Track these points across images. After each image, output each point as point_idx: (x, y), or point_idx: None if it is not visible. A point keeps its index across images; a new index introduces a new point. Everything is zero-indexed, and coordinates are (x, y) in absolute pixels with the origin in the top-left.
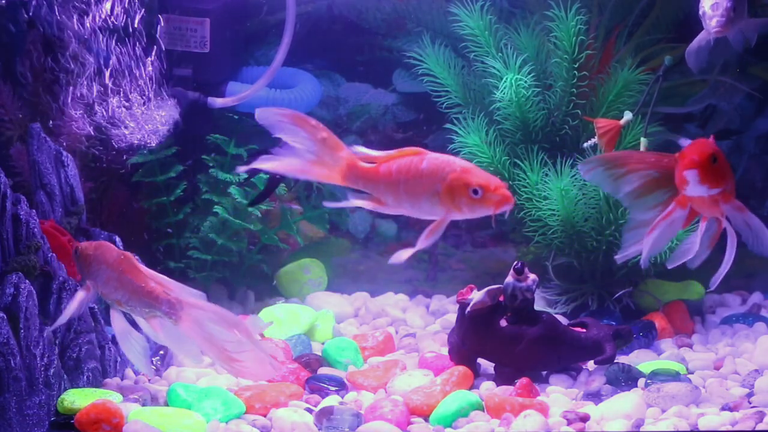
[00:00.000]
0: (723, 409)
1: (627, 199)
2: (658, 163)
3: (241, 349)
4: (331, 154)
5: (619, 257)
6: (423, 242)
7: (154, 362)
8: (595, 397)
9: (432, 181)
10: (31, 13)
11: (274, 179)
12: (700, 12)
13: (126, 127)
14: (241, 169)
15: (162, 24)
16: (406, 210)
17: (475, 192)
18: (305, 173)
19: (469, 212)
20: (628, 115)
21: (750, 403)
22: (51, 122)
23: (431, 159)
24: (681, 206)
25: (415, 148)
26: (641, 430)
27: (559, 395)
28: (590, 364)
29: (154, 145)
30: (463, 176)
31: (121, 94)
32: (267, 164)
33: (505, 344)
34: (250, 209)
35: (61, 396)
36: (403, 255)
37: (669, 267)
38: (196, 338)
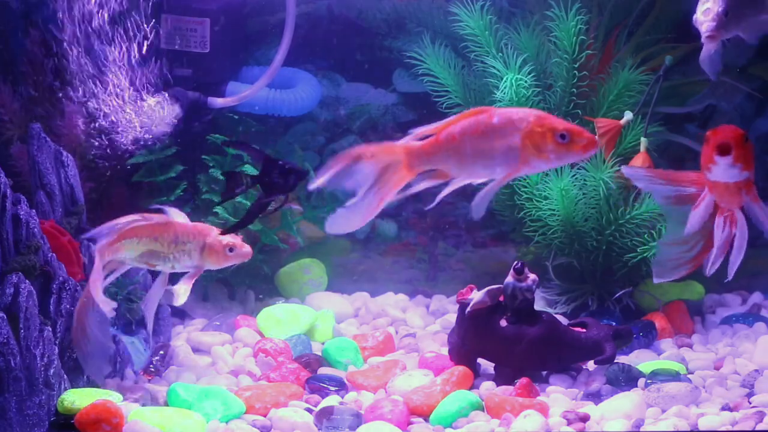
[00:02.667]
0: (723, 409)
1: (663, 203)
2: (697, 181)
3: None
4: (388, 161)
5: (657, 280)
6: (488, 191)
7: (154, 362)
8: (595, 397)
9: (508, 134)
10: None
11: (258, 205)
12: (694, 18)
13: (126, 127)
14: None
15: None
16: (476, 173)
17: (563, 137)
18: (384, 198)
19: (556, 159)
20: (628, 115)
21: (750, 403)
22: (51, 122)
23: (501, 113)
24: (709, 190)
25: (477, 108)
26: (641, 430)
27: (559, 395)
28: (590, 364)
29: (155, 145)
30: (546, 122)
31: (122, 95)
32: (351, 225)
33: (505, 344)
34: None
35: (61, 396)
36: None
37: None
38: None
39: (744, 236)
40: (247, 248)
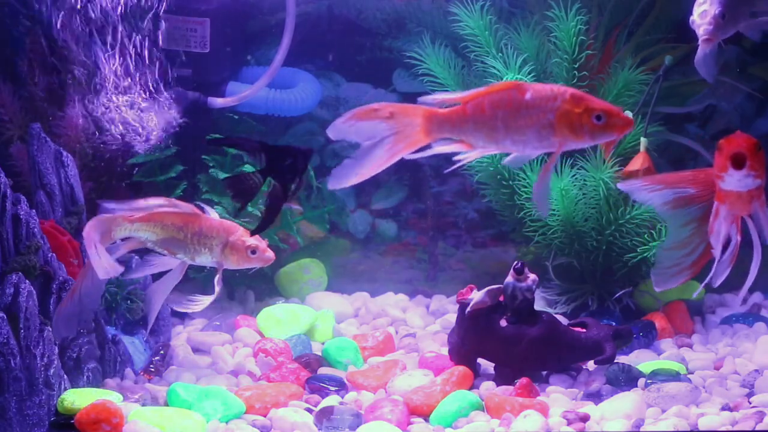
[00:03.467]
0: (723, 409)
1: (663, 210)
2: (693, 180)
3: None
4: (405, 122)
5: (658, 288)
6: (541, 181)
7: (154, 362)
8: (595, 397)
9: (542, 111)
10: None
11: (277, 197)
12: (690, 20)
13: (127, 128)
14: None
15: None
16: (504, 147)
17: (599, 118)
18: (393, 156)
19: (590, 139)
20: (628, 115)
21: (750, 403)
22: (52, 122)
23: (536, 89)
24: (720, 200)
25: (509, 81)
26: (641, 430)
27: (559, 395)
28: (590, 364)
29: (155, 145)
30: (582, 102)
31: (122, 95)
32: (355, 177)
33: (505, 344)
34: (250, 208)
35: (61, 396)
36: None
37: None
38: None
39: (758, 257)
40: (270, 254)
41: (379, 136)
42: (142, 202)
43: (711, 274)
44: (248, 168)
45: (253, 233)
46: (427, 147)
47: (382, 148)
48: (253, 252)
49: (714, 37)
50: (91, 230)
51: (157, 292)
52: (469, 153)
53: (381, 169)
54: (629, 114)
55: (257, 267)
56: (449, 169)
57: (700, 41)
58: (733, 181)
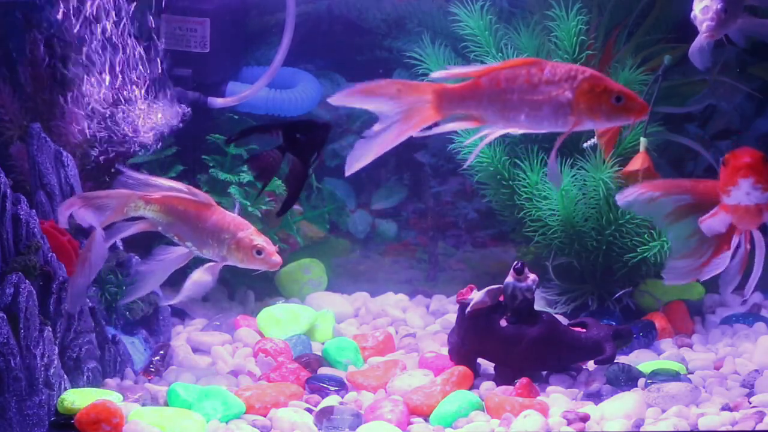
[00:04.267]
0: (723, 409)
1: (664, 224)
2: (693, 189)
3: None
4: (414, 98)
5: (669, 282)
6: (552, 160)
7: (154, 362)
8: (595, 397)
9: (559, 89)
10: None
11: (298, 172)
12: (692, 15)
13: (127, 128)
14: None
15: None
16: (518, 125)
17: (618, 99)
18: (404, 133)
19: (606, 120)
20: None
21: (750, 403)
22: (52, 122)
23: (554, 66)
24: (725, 211)
25: (528, 58)
26: (641, 430)
27: (559, 395)
28: (590, 364)
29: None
30: (602, 83)
31: (122, 96)
32: (369, 153)
33: (505, 344)
34: (250, 209)
35: (61, 396)
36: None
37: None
38: None
39: (762, 254)
40: (276, 258)
41: (387, 114)
42: (162, 180)
43: (721, 289)
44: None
45: (279, 213)
46: (435, 126)
47: (392, 127)
48: (259, 252)
49: (716, 33)
50: (112, 197)
51: (156, 272)
52: (480, 133)
53: (391, 147)
54: None
55: (261, 269)
56: (466, 163)
57: (702, 37)
58: (741, 195)
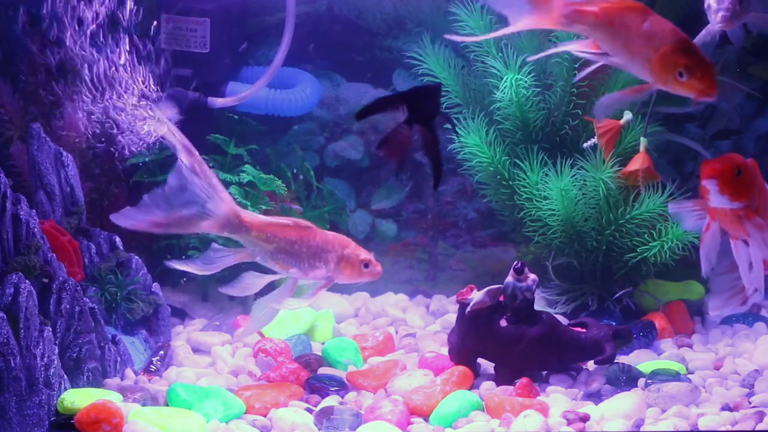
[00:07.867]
0: (723, 409)
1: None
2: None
3: None
4: (541, 5)
5: (713, 314)
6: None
7: (154, 362)
8: (595, 397)
9: (648, 46)
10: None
11: (433, 147)
12: (705, 5)
13: (126, 130)
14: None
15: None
16: (621, 61)
17: (681, 74)
18: (524, 27)
19: (672, 91)
20: (627, 115)
21: (750, 403)
22: (52, 122)
23: (654, 21)
24: (711, 218)
25: (638, 4)
26: (641, 430)
27: (559, 395)
28: (590, 364)
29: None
30: (673, 55)
31: (121, 96)
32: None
33: (505, 344)
34: (250, 209)
35: (61, 396)
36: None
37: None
38: None
39: (759, 263)
40: (379, 267)
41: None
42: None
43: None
44: (248, 168)
45: (434, 186)
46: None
47: (525, 17)
48: (366, 266)
49: (730, 24)
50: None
51: (266, 307)
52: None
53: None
54: (629, 114)
55: (366, 281)
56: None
57: (716, 27)
58: (714, 201)
